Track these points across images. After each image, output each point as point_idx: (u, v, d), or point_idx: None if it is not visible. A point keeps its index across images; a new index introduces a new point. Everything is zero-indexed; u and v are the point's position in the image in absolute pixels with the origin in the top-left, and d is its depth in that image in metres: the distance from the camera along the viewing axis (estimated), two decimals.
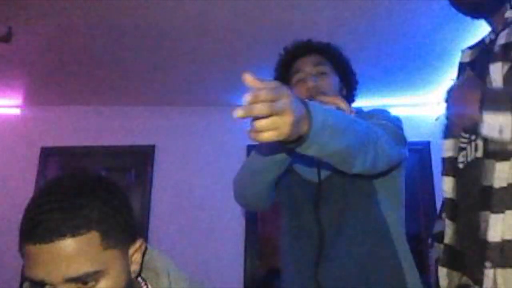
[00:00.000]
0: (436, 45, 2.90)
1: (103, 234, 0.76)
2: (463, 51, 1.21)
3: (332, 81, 1.45)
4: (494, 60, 0.97)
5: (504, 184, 0.89)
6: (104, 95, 3.76)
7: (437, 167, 3.71)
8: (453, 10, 1.14)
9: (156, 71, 3.35)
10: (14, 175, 3.71)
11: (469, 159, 1.01)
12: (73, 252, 0.72)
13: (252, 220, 3.71)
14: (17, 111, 3.94)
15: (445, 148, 1.12)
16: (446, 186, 1.10)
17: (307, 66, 1.48)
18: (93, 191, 0.78)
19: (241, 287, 3.53)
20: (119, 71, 3.34)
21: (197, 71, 3.35)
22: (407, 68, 3.30)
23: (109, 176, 0.87)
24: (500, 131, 0.88)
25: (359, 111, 1.43)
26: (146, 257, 0.92)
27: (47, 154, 3.84)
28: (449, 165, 1.10)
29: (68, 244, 0.72)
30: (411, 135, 4.36)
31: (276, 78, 1.58)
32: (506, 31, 1.00)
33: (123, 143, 3.86)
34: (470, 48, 1.20)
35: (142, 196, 3.75)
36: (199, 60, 3.19)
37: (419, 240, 3.54)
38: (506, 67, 0.95)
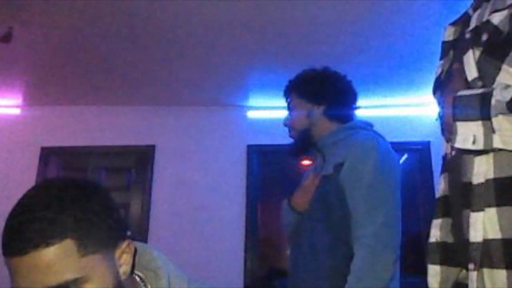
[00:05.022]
0: (436, 45, 2.89)
1: (79, 241, 0.75)
2: (445, 28, 1.11)
3: (295, 114, 1.71)
4: (466, 49, 0.90)
5: (482, 180, 0.83)
6: (104, 95, 3.76)
7: (437, 167, 3.72)
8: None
9: (156, 71, 3.35)
10: (14, 175, 3.71)
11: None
12: (49, 262, 0.73)
13: (252, 220, 3.71)
14: (17, 111, 3.94)
15: (443, 146, 1.06)
16: (441, 185, 1.03)
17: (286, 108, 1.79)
18: (68, 198, 0.77)
19: (241, 287, 3.53)
20: (119, 71, 3.34)
21: (197, 71, 3.35)
22: (408, 68, 3.30)
23: (93, 177, 0.87)
24: (474, 141, 0.82)
25: (352, 127, 1.65)
26: (146, 257, 0.92)
27: (47, 154, 3.84)
28: (444, 163, 1.04)
29: (43, 254, 0.73)
30: (411, 135, 4.35)
31: None
32: (478, 12, 0.93)
33: (123, 143, 3.86)
34: (453, 24, 1.10)
35: (142, 196, 3.75)
36: (199, 60, 3.18)
37: (419, 240, 3.55)
38: (477, 52, 0.87)
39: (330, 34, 2.85)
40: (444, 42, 1.10)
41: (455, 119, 0.85)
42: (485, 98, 0.81)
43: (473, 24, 0.92)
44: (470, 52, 0.89)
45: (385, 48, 3.04)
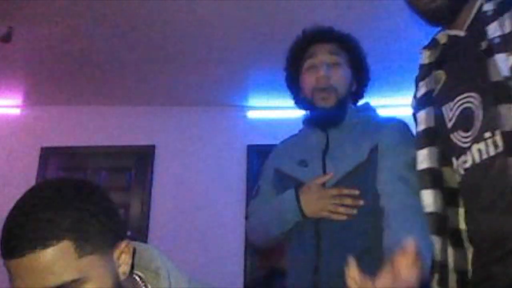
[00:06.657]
0: None
1: (77, 242, 0.75)
2: (421, 52, 1.16)
3: (344, 73, 1.44)
4: (499, 50, 0.92)
5: None
6: (104, 95, 3.76)
7: None
8: None
9: (156, 71, 3.35)
10: (14, 175, 3.70)
11: (482, 158, 0.93)
12: (47, 264, 0.73)
13: None
14: (17, 111, 3.94)
15: (421, 160, 1.05)
16: (427, 200, 1.01)
17: (322, 53, 1.43)
18: (64, 200, 0.78)
19: (241, 287, 3.53)
20: (119, 71, 3.34)
21: (197, 71, 3.35)
22: (407, 68, 3.28)
23: (93, 177, 0.87)
24: None
25: (365, 109, 1.55)
26: (146, 257, 0.92)
27: (47, 154, 3.83)
28: (429, 177, 1.03)
29: (40, 256, 0.73)
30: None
31: (289, 59, 1.52)
32: (494, 24, 0.95)
33: (123, 143, 3.86)
34: (427, 47, 1.16)
35: (142, 196, 3.75)
36: (199, 60, 3.18)
37: None
38: (511, 59, 0.90)
39: None
40: (422, 65, 1.16)
41: None
42: None
43: (496, 33, 0.94)
44: (501, 55, 0.91)
45: (385, 48, 3.04)
